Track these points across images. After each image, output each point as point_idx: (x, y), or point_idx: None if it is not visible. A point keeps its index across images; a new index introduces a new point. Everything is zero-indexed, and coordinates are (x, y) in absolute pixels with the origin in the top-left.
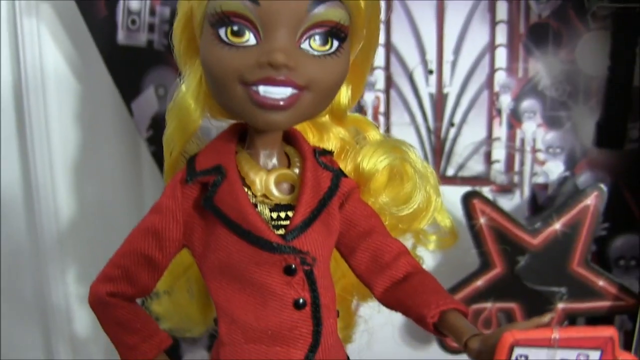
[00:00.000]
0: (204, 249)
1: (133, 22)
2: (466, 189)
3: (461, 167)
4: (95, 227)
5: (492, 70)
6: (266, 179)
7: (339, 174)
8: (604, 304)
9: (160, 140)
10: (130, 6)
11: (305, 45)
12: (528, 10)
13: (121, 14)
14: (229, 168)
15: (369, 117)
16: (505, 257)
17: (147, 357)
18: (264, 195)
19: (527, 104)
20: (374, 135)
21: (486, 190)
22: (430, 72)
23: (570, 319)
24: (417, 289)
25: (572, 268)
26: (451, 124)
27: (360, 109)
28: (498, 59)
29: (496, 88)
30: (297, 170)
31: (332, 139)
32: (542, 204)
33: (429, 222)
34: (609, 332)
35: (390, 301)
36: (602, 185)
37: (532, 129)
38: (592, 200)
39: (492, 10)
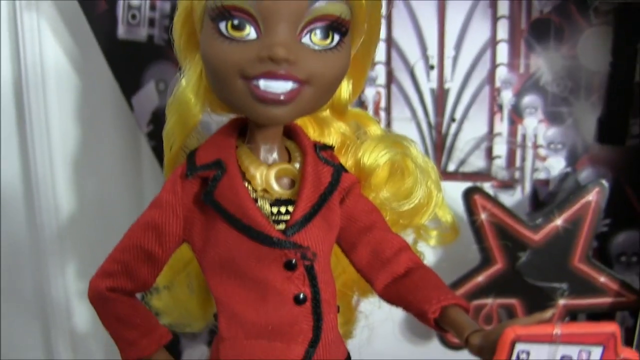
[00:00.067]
0: (204, 243)
1: (133, 16)
2: (467, 184)
3: (462, 162)
4: (95, 223)
5: (494, 66)
6: (266, 174)
7: (339, 169)
8: (605, 300)
9: (160, 135)
10: (130, 1)
11: (306, 40)
12: (529, 5)
13: (121, 9)
14: (229, 163)
15: (370, 112)
16: (506, 253)
17: (146, 352)
18: (265, 190)
19: (529, 99)
20: (375, 130)
21: (487, 186)
22: (432, 67)
23: (571, 315)
24: (418, 285)
25: (574, 264)
26: (452, 120)
27: (361, 104)
28: (499, 55)
29: (497, 84)
30: (297, 165)
31: (333, 133)
32: (544, 199)
33: (430, 218)
34: (611, 328)
35: (391, 296)
36: (604, 181)
37: (534, 125)
38: (594, 196)
39: (494, 5)
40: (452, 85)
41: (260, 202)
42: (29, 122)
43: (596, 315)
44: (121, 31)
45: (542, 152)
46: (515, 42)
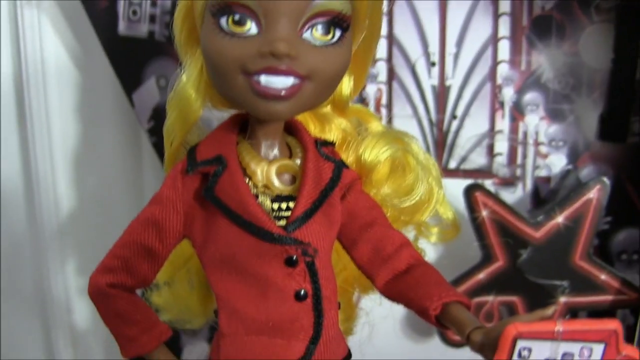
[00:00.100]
0: (204, 239)
1: (134, 12)
2: (468, 181)
3: (463, 159)
4: (96, 220)
5: (495, 63)
6: (267, 170)
7: (340, 165)
8: (606, 298)
9: (161, 131)
10: None
11: (307, 35)
12: (531, 2)
13: (122, 5)
14: (230, 158)
15: (371, 109)
16: (507, 250)
17: (147, 349)
18: (265, 186)
19: (530, 96)
20: (376, 126)
21: (488, 183)
22: (433, 64)
23: (572, 312)
24: (419, 281)
25: (575, 261)
26: (453, 117)
27: (362, 101)
28: (501, 52)
29: (499, 81)
30: (298, 161)
31: (334, 130)
32: (545, 197)
33: (431, 214)
34: (613, 325)
35: (392, 293)
36: (605, 179)
37: (535, 122)
38: (595, 194)
39: (495, 2)
40: (454, 82)
41: (261, 198)
42: (30, 118)
43: (597, 313)
44: (122, 27)
45: (543, 149)
46: (516, 39)
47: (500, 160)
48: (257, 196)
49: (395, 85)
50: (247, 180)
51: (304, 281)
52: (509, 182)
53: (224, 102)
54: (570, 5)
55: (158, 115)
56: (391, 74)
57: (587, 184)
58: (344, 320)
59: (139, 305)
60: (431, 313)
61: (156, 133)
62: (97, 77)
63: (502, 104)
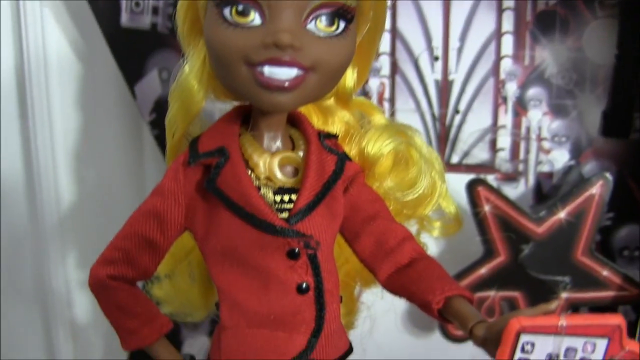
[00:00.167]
0: (206, 232)
1: (137, 4)
2: (471, 176)
3: (466, 154)
4: (97, 212)
5: (498, 58)
6: (270, 162)
7: (343, 158)
8: (608, 294)
9: (163, 123)
10: None
11: (311, 26)
12: None
13: None
14: (232, 150)
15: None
16: (509, 245)
17: (147, 341)
18: (268, 178)
19: (533, 92)
20: (379, 119)
21: (491, 178)
22: (436, 58)
23: (574, 308)
24: (421, 275)
25: (577, 257)
26: (456, 111)
27: (365, 95)
28: (504, 46)
29: (502, 75)
30: (301, 153)
31: (337, 122)
32: (547, 192)
33: (434, 208)
34: (616, 320)
35: (394, 287)
36: (608, 175)
37: (538, 117)
38: (598, 189)
39: None
40: (457, 77)
41: (263, 190)
42: (31, 110)
43: (598, 309)
44: (124, 19)
45: (546, 144)
46: (520, 34)
47: (503, 155)
48: (259, 188)
49: (398, 79)
50: (249, 172)
51: (306, 274)
52: (511, 177)
53: (227, 93)
54: (574, 0)
55: (160, 107)
56: (394, 68)
57: (589, 180)
58: (346, 314)
59: (139, 297)
60: (434, 307)
61: (158, 125)
62: (99, 69)
63: (505, 99)
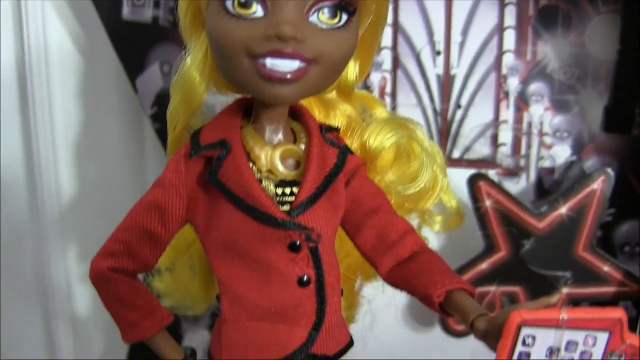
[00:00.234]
0: (207, 224)
1: None
2: (472, 171)
3: (467, 149)
4: (98, 206)
5: (501, 53)
6: (272, 155)
7: (345, 151)
8: (609, 289)
9: (164, 117)
10: None
11: (313, 19)
12: None
13: None
14: (234, 143)
15: None
16: (510, 240)
17: (148, 334)
18: (269, 171)
19: (535, 87)
20: (381, 112)
21: (492, 174)
22: (438, 53)
23: (575, 304)
24: (423, 269)
25: (578, 253)
26: (458, 106)
27: (367, 90)
28: (506, 41)
29: (504, 71)
30: (303, 147)
31: (339, 116)
32: (549, 188)
33: (435, 203)
34: (617, 313)
35: (395, 280)
36: (609, 170)
37: (540, 113)
38: (599, 185)
39: None
40: (459, 72)
41: (265, 183)
42: (32, 103)
43: (599, 304)
44: (126, 12)
45: (547, 140)
46: (522, 29)
47: (505, 150)
48: (261, 181)
49: (400, 74)
50: (251, 165)
51: (307, 267)
52: (513, 172)
53: (229, 86)
54: None
55: (161, 101)
56: (396, 63)
57: (591, 176)
58: (346, 308)
59: (140, 290)
60: (435, 300)
61: (159, 119)
62: (100, 63)
63: (507, 94)
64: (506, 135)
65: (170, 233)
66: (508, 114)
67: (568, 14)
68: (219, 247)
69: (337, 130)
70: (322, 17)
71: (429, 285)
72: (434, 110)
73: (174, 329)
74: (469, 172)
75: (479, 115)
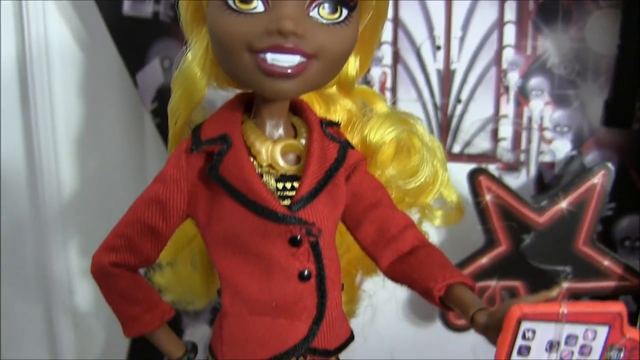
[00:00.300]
0: (208, 219)
1: None
2: (472, 166)
3: (467, 144)
4: (98, 200)
5: (501, 47)
6: (272, 149)
7: (345, 146)
8: (609, 284)
9: (165, 112)
10: None
11: (314, 13)
12: None
13: None
14: (235, 137)
15: None
16: (510, 235)
17: (149, 328)
18: (270, 166)
19: (535, 81)
20: (381, 107)
21: (492, 168)
22: (438, 47)
23: (575, 298)
24: (423, 262)
25: (578, 247)
26: (458, 101)
27: (367, 84)
28: (506, 36)
29: (504, 65)
30: (303, 141)
31: (339, 110)
32: (549, 182)
33: (435, 197)
34: (617, 307)
35: (396, 274)
36: (609, 165)
37: (540, 107)
38: (599, 179)
39: None
40: (459, 66)
41: (265, 178)
42: (33, 98)
43: (599, 299)
44: (126, 7)
45: (547, 134)
46: (522, 24)
47: (505, 145)
48: (261, 175)
49: (400, 68)
50: (251, 159)
51: (307, 261)
52: (513, 167)
53: (230, 81)
54: None
55: (162, 96)
56: (396, 57)
57: (591, 170)
58: (347, 302)
59: (141, 284)
60: (435, 294)
61: (160, 114)
62: (101, 58)
63: (507, 89)
64: (506, 130)
65: (171, 227)
66: (508, 108)
67: (568, 8)
68: (219, 242)
69: (337, 124)
70: (323, 12)
71: (429, 279)
72: (434, 104)
73: (174, 324)
74: (469, 166)
75: (479, 109)
